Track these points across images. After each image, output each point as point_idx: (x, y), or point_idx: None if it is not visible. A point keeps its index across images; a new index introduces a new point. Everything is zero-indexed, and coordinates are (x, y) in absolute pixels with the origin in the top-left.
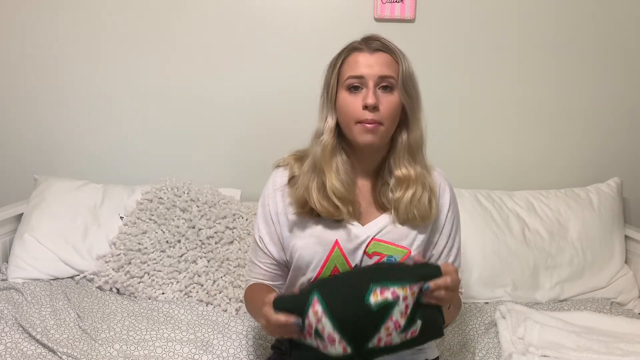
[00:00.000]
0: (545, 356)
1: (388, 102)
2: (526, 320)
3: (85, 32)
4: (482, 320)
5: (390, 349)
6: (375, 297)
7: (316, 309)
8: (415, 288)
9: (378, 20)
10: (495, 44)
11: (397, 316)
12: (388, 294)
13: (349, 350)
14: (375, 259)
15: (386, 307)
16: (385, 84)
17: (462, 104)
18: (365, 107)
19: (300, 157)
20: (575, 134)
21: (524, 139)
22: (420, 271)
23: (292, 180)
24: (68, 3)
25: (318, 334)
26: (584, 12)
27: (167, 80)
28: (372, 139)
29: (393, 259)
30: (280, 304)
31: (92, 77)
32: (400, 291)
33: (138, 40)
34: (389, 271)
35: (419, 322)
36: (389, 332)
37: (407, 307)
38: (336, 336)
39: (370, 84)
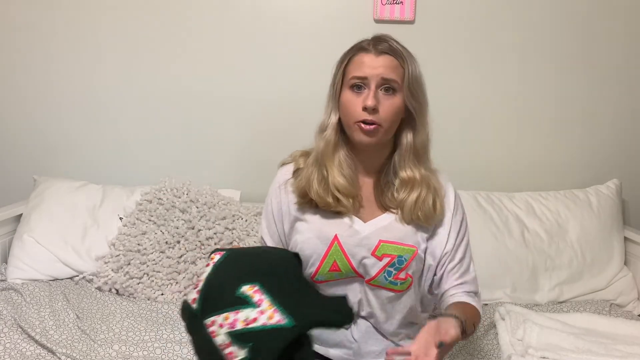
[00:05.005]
0: (544, 358)
1: (389, 104)
2: (525, 322)
3: (85, 33)
4: (482, 322)
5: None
6: (248, 290)
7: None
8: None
9: (378, 21)
10: (494, 45)
11: (245, 316)
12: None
13: (195, 306)
14: (386, 260)
15: (245, 301)
16: (387, 86)
17: (461, 105)
18: (365, 109)
19: (306, 153)
20: (574, 136)
21: (523, 141)
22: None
23: (296, 172)
24: (67, 3)
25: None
26: (583, 13)
27: (166, 81)
28: (369, 140)
29: (403, 259)
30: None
31: (91, 78)
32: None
33: (137, 42)
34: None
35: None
36: (223, 323)
37: (254, 320)
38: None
39: (373, 85)
